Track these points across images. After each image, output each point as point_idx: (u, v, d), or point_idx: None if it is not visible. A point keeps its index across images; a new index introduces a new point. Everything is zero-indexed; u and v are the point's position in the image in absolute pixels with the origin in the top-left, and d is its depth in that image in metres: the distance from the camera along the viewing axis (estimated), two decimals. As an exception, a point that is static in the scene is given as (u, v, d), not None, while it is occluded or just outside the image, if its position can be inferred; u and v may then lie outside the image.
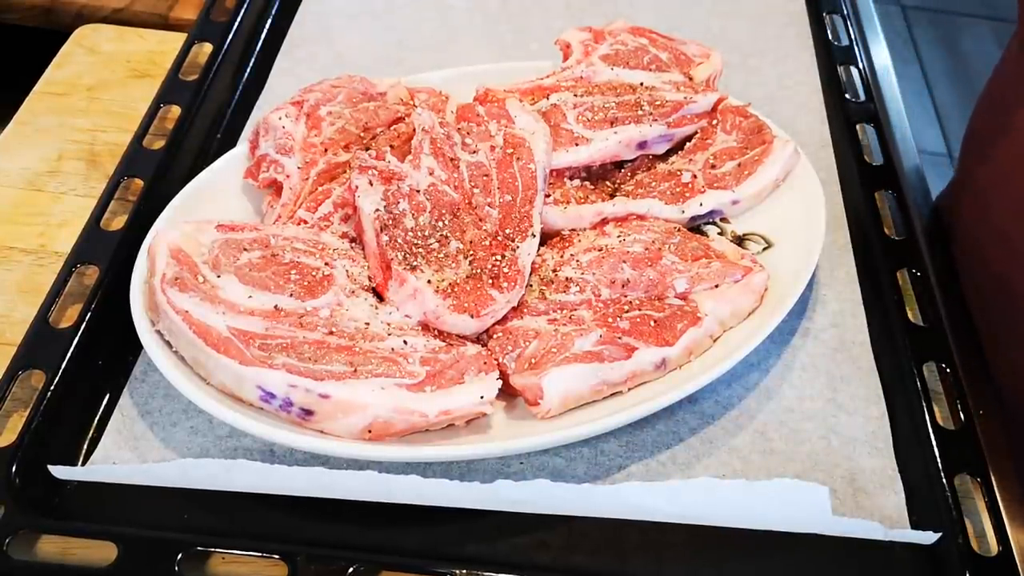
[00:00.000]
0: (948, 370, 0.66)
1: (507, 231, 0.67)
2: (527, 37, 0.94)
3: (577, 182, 0.74)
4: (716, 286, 0.66)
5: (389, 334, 0.61)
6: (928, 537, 0.56)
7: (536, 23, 0.96)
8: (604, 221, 0.71)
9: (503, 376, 0.60)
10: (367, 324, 0.61)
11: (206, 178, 0.72)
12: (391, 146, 0.72)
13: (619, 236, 0.68)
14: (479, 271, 0.64)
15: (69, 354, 0.63)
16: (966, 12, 2.50)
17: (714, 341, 0.65)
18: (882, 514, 0.60)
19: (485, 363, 0.60)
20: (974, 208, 0.76)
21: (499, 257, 0.65)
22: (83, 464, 0.61)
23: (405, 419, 0.57)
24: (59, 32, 0.94)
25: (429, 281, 0.62)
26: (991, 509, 0.59)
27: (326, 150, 0.73)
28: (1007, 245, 0.70)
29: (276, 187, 0.71)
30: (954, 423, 0.64)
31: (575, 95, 0.76)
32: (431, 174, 0.68)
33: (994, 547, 0.58)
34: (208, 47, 0.86)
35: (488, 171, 0.70)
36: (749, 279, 0.66)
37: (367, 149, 0.72)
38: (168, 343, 0.60)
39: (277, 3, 0.94)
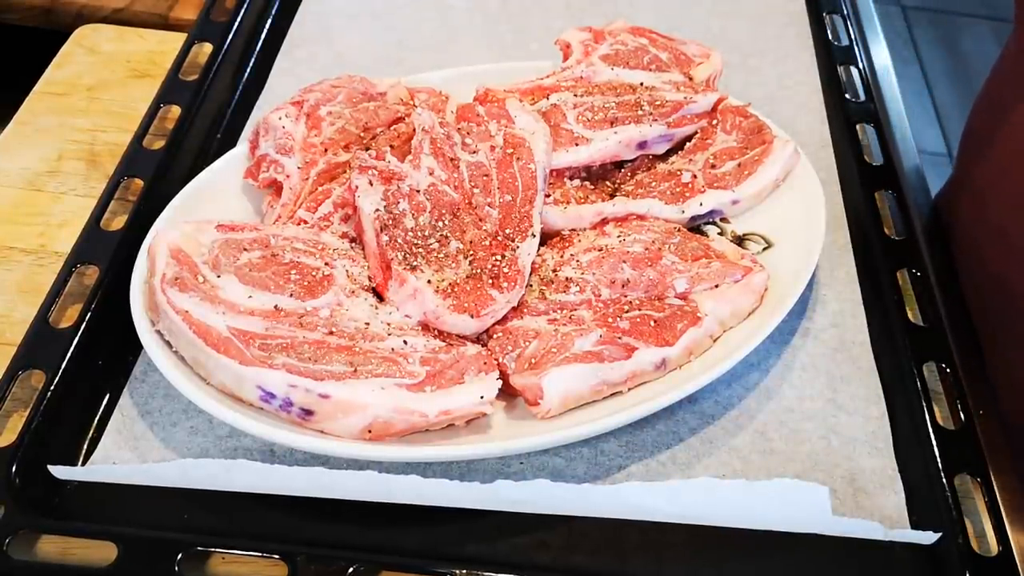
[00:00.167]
0: (948, 370, 0.66)
1: (507, 231, 0.67)
2: (527, 37, 0.94)
3: (577, 182, 0.74)
4: (716, 286, 0.66)
5: (389, 334, 0.61)
6: (928, 537, 0.56)
7: (536, 23, 0.96)
8: (604, 221, 0.71)
9: (503, 376, 0.60)
10: (367, 324, 0.61)
11: (206, 178, 0.72)
12: (391, 146, 0.72)
13: (619, 236, 0.68)
14: (479, 271, 0.64)
15: (69, 354, 0.63)
16: (966, 12, 2.50)
17: (714, 341, 0.65)
18: (882, 514, 0.60)
19: (485, 363, 0.60)
20: (972, 207, 0.76)
21: (499, 257, 0.65)
22: (83, 464, 0.61)
23: (405, 419, 0.57)
24: (59, 32, 0.94)
25: (429, 281, 0.62)
26: (991, 509, 0.59)
27: (326, 150, 0.73)
28: (1005, 243, 0.70)
29: (276, 187, 0.71)
30: (954, 423, 0.64)
31: (575, 95, 0.76)
32: (431, 174, 0.68)
33: (994, 547, 0.58)
34: (208, 47, 0.86)
35: (488, 171, 0.70)
36: (749, 279, 0.66)
37: (367, 149, 0.72)
38: (168, 343, 0.60)
39: (277, 3, 0.94)
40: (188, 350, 0.59)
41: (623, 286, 0.66)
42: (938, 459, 0.61)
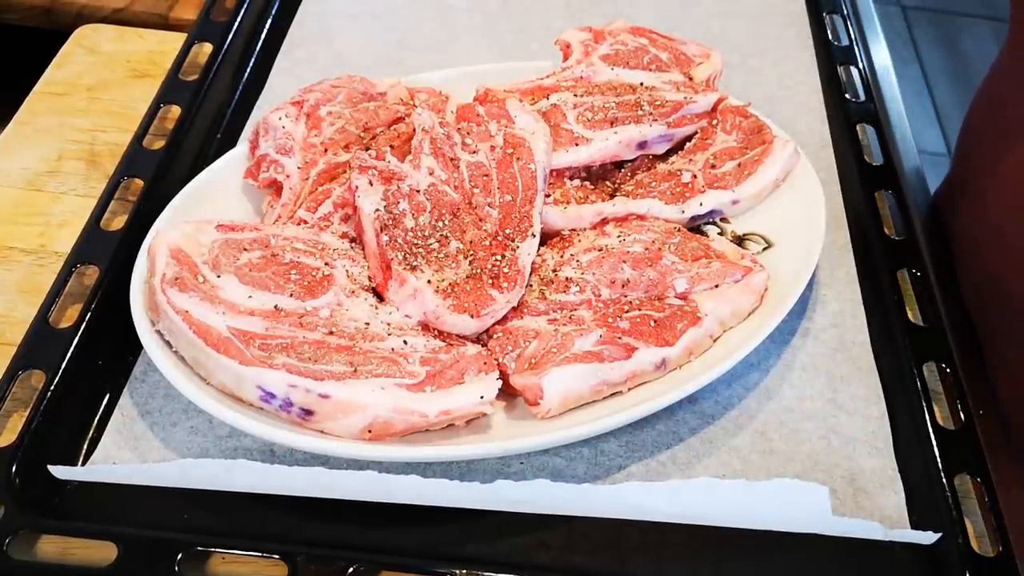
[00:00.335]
0: (948, 370, 0.66)
1: (507, 231, 0.67)
2: (527, 37, 0.94)
3: (577, 182, 0.74)
4: (716, 286, 0.66)
5: (389, 334, 0.61)
6: (928, 537, 0.56)
7: (536, 23, 0.96)
8: (604, 221, 0.71)
9: (503, 376, 0.60)
10: (367, 324, 0.61)
11: (206, 178, 0.72)
12: (391, 146, 0.72)
13: (619, 236, 0.68)
14: (479, 271, 0.64)
15: (69, 354, 0.63)
16: (966, 12, 2.50)
17: (714, 341, 0.65)
18: (882, 514, 0.60)
19: (485, 363, 0.60)
20: (970, 206, 0.76)
21: (499, 257, 0.65)
22: (83, 464, 0.61)
23: (405, 419, 0.57)
24: (59, 32, 0.94)
25: (429, 281, 0.62)
26: (991, 509, 0.59)
27: (326, 150, 0.73)
28: (1003, 243, 0.70)
29: (276, 187, 0.71)
30: (954, 423, 0.64)
31: (575, 95, 0.76)
32: (431, 174, 0.68)
33: (994, 547, 0.58)
34: (208, 47, 0.86)
35: (488, 171, 0.70)
36: (749, 279, 0.66)
37: (367, 149, 0.72)
38: (168, 343, 0.60)
39: (277, 3, 0.94)
40: (188, 350, 0.59)
41: (623, 286, 0.66)
42: (938, 459, 0.61)
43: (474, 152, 0.71)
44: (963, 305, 0.72)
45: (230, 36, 0.87)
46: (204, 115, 0.81)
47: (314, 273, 0.63)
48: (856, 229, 0.76)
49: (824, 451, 0.63)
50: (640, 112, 0.75)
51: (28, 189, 0.79)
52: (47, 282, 0.67)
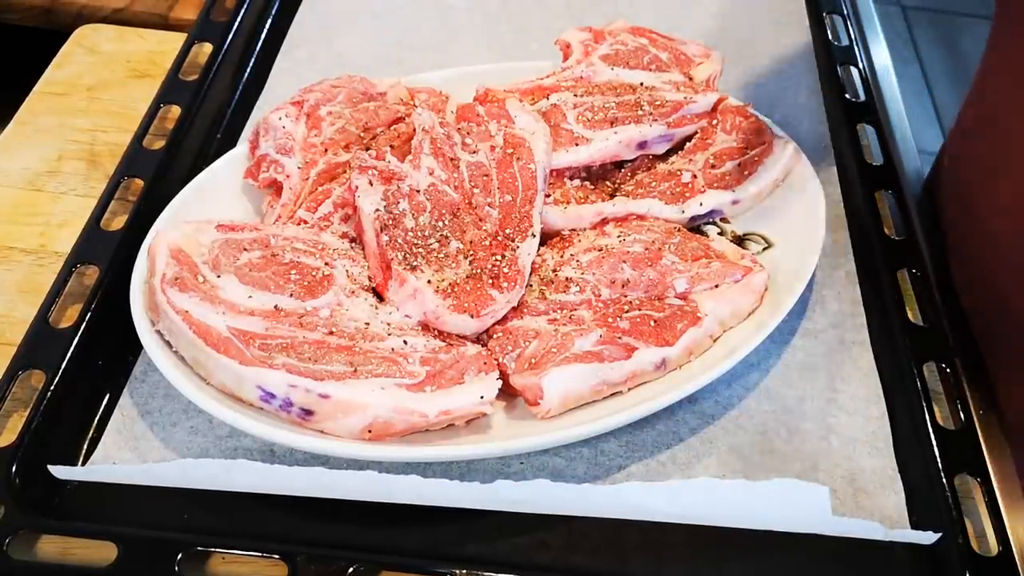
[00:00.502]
0: (948, 370, 0.66)
1: (507, 231, 0.67)
2: (527, 37, 0.94)
3: (577, 182, 0.74)
4: (716, 286, 0.66)
5: (389, 334, 0.61)
6: (928, 537, 0.56)
7: (536, 23, 0.96)
8: (604, 221, 0.71)
9: (503, 376, 0.60)
10: (367, 324, 0.61)
11: (206, 178, 0.72)
12: (391, 146, 0.72)
13: (619, 236, 0.68)
14: (479, 271, 0.64)
15: (69, 354, 0.63)
16: (966, 12, 2.50)
17: (714, 341, 0.65)
18: (882, 514, 0.60)
19: (485, 363, 0.60)
20: (960, 207, 0.75)
21: (499, 257, 0.65)
22: (83, 464, 0.61)
23: (405, 419, 0.57)
24: (59, 32, 0.94)
25: (429, 281, 0.62)
26: (991, 509, 0.59)
27: (326, 150, 0.73)
28: (994, 244, 0.70)
29: (276, 187, 0.71)
30: (954, 423, 0.64)
31: (575, 95, 0.76)
32: (431, 174, 0.68)
33: (994, 547, 0.58)
34: (208, 47, 0.86)
35: (488, 171, 0.70)
36: (749, 279, 0.66)
37: (367, 149, 0.72)
38: (168, 343, 0.60)
39: (277, 3, 0.94)
40: (188, 350, 0.59)
41: (623, 286, 0.66)
42: (938, 459, 0.61)
43: (474, 152, 0.71)
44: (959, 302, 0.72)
45: (230, 36, 0.87)
46: (204, 115, 0.81)
47: (314, 273, 0.63)
48: (856, 229, 0.76)
49: (824, 451, 0.63)
50: (640, 112, 0.75)
51: (28, 189, 0.79)
52: (47, 282, 0.67)
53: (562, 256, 0.68)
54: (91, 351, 0.64)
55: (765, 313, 0.66)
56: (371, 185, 0.65)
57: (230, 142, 0.80)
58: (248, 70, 0.88)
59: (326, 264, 0.64)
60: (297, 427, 0.58)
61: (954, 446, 0.62)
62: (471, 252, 0.65)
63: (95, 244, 0.69)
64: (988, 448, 0.62)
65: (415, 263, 0.63)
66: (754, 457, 0.62)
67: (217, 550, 0.57)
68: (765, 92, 0.88)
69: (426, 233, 0.66)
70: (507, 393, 0.61)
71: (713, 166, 0.74)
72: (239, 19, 0.89)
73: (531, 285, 0.66)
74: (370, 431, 0.57)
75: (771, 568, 0.58)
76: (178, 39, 0.89)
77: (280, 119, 0.73)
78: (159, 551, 0.55)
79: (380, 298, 0.64)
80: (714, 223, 0.74)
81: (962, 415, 0.64)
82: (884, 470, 0.62)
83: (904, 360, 0.67)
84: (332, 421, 0.57)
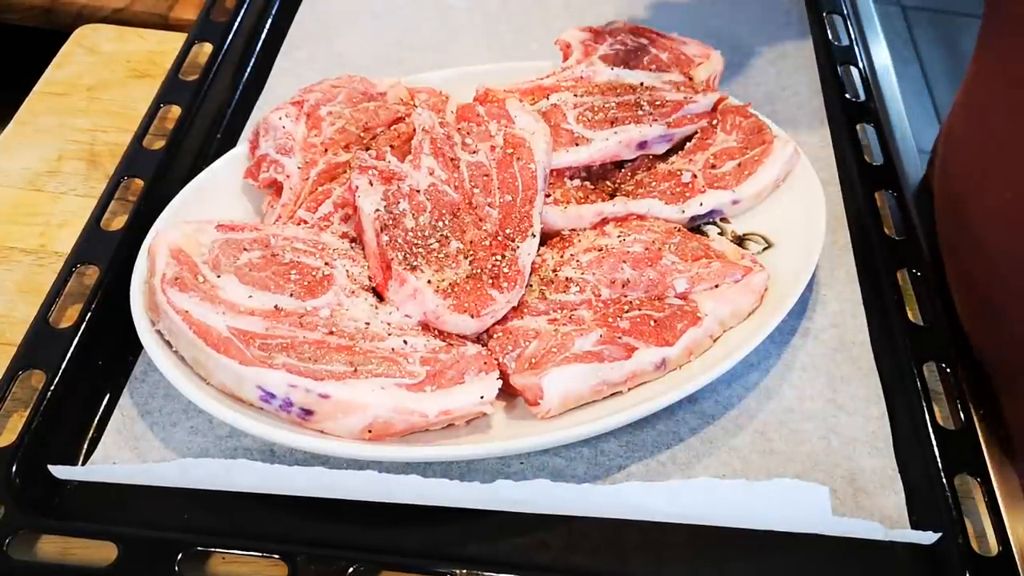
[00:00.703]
0: (948, 370, 0.66)
1: (507, 231, 0.67)
2: (527, 37, 0.94)
3: (577, 182, 0.74)
4: (716, 286, 0.66)
5: (389, 334, 0.61)
6: (928, 537, 0.56)
7: (536, 23, 0.96)
8: (604, 221, 0.71)
9: (503, 376, 0.60)
10: (367, 324, 0.61)
11: (206, 178, 0.72)
12: (391, 146, 0.72)
13: (619, 236, 0.68)
14: (479, 271, 0.64)
15: (69, 354, 0.63)
16: (966, 12, 2.50)
17: (714, 341, 0.65)
18: (882, 514, 0.60)
19: (485, 363, 0.60)
20: (951, 212, 0.75)
21: (499, 257, 0.65)
22: (83, 464, 0.61)
23: (405, 419, 0.57)
24: (59, 32, 0.94)
25: (429, 281, 0.62)
26: (991, 509, 0.59)
27: (326, 150, 0.73)
28: (983, 249, 0.69)
29: (276, 187, 0.71)
30: (954, 423, 0.64)
31: (575, 95, 0.76)
32: (431, 174, 0.68)
33: (994, 547, 0.58)
34: (208, 47, 0.86)
35: (488, 171, 0.70)
36: (749, 279, 0.66)
37: (367, 149, 0.72)
38: (168, 343, 0.60)
39: (277, 3, 0.94)
40: (188, 350, 0.59)
41: (623, 286, 0.66)
42: (938, 459, 0.61)
43: (474, 152, 0.71)
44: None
45: (230, 36, 0.87)
46: (204, 115, 0.81)
47: (314, 273, 0.63)
48: (856, 229, 0.76)
49: (824, 451, 0.63)
50: (640, 112, 0.75)
51: (28, 189, 0.79)
52: (47, 282, 0.67)
53: (562, 256, 0.68)
54: (91, 351, 0.64)
55: (765, 313, 0.66)
56: (371, 185, 0.65)
57: (230, 142, 0.80)
58: (248, 70, 0.88)
59: (326, 264, 0.64)
60: (297, 427, 0.58)
61: (954, 446, 0.62)
62: (471, 252, 0.65)
63: (95, 244, 0.69)
64: (988, 448, 0.62)
65: (415, 263, 0.63)
66: (754, 457, 0.62)
67: (217, 550, 0.57)
68: (765, 92, 0.88)
69: (426, 233, 0.66)
70: (507, 393, 0.61)
71: (713, 166, 0.74)
72: (239, 19, 0.89)
73: (531, 285, 0.66)
74: (370, 431, 0.57)
75: (771, 568, 0.58)
76: (178, 39, 0.89)
77: (280, 119, 0.73)
78: (159, 551, 0.55)
79: (380, 298, 0.64)
80: (714, 223, 0.74)
81: (962, 415, 0.64)
82: (884, 470, 0.62)
83: (904, 360, 0.67)
84: (332, 421, 0.57)
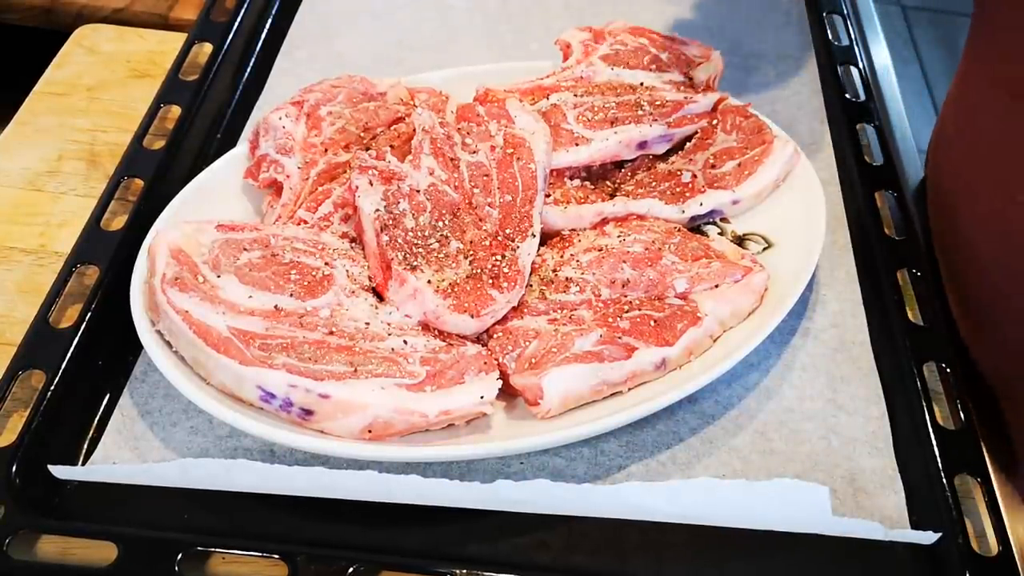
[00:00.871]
0: (948, 370, 0.66)
1: (507, 231, 0.67)
2: (527, 37, 0.94)
3: (577, 182, 0.74)
4: (716, 286, 0.66)
5: (389, 334, 0.61)
6: (928, 537, 0.56)
7: (536, 23, 0.96)
8: (604, 221, 0.71)
9: (503, 376, 0.60)
10: (367, 324, 0.61)
11: (206, 178, 0.72)
12: (391, 146, 0.72)
13: (619, 236, 0.68)
14: (479, 271, 0.64)
15: (69, 354, 0.63)
16: (966, 12, 2.49)
17: (714, 341, 0.65)
18: (882, 514, 0.60)
19: (485, 363, 0.60)
20: (942, 215, 0.75)
21: (499, 257, 0.65)
22: (83, 464, 0.61)
23: (405, 419, 0.57)
24: (59, 32, 0.94)
25: (429, 281, 0.62)
26: (991, 509, 0.59)
27: (326, 150, 0.73)
28: (974, 252, 0.70)
29: (276, 187, 0.71)
30: (954, 423, 0.64)
31: (575, 95, 0.76)
32: (431, 174, 0.68)
33: (994, 547, 0.58)
34: (208, 47, 0.86)
35: (488, 171, 0.70)
36: (749, 279, 0.66)
37: (367, 149, 0.72)
38: (168, 343, 0.60)
39: (277, 3, 0.94)
40: (188, 350, 0.59)
41: (623, 286, 0.66)
42: (938, 459, 0.61)
43: (474, 152, 0.71)
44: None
45: (230, 36, 0.87)
46: (204, 115, 0.81)
47: (314, 273, 0.63)
48: (856, 229, 0.76)
49: (824, 451, 0.63)
50: (640, 112, 0.75)
51: (28, 189, 0.79)
52: (47, 282, 0.67)
53: (562, 256, 0.68)
54: (91, 351, 0.64)
55: (765, 313, 0.66)
56: (371, 185, 0.65)
57: (230, 142, 0.80)
58: (248, 70, 0.88)
59: (326, 264, 0.64)
60: (297, 427, 0.58)
61: (954, 446, 0.62)
62: (471, 252, 0.65)
63: (95, 244, 0.69)
64: (988, 448, 0.62)
65: (415, 263, 0.63)
66: (754, 457, 0.62)
67: (217, 550, 0.57)
68: (765, 92, 0.88)
69: (426, 233, 0.66)
70: (507, 393, 0.61)
71: (713, 166, 0.74)
72: (239, 19, 0.89)
73: (531, 285, 0.66)
74: (370, 431, 0.57)
75: (771, 568, 0.58)
76: (178, 39, 0.89)
77: (280, 119, 0.73)
78: (159, 551, 0.55)
79: (380, 298, 0.64)
80: (714, 223, 0.74)
81: (962, 415, 0.64)
82: (884, 470, 0.62)
83: (904, 360, 0.67)
84: (332, 421, 0.57)
